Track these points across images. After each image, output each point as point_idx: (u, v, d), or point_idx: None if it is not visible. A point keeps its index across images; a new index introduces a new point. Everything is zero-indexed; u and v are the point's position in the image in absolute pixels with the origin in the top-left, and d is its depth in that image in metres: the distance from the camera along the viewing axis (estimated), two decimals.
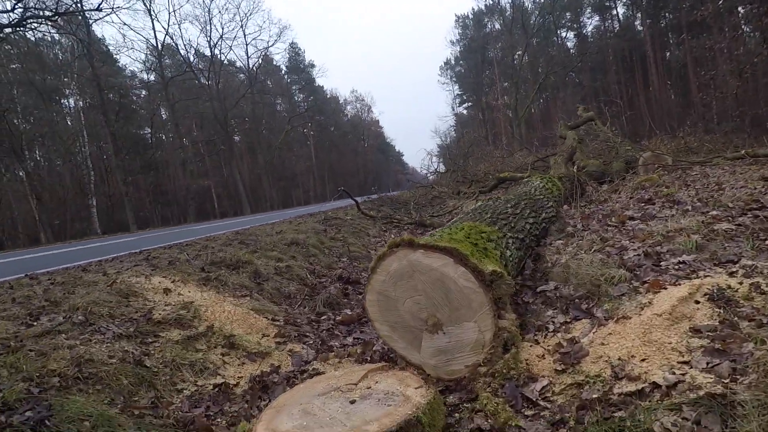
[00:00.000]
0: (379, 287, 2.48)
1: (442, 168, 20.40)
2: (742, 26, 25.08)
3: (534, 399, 1.96)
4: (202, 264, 4.11)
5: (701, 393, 1.47)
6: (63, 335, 2.30)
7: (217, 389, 2.33)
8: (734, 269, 2.29)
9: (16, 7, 16.62)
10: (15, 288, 3.81)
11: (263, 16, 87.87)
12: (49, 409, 1.72)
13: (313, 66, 56.64)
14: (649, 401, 1.57)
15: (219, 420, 2.11)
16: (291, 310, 3.74)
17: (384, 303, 2.49)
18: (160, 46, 34.03)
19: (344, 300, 4.18)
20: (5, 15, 16.86)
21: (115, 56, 36.53)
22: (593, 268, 2.74)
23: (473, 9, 49.52)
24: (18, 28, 17.70)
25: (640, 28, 37.34)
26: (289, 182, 52.59)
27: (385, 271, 2.45)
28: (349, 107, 72.26)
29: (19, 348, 2.15)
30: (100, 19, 28.46)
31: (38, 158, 33.65)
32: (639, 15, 36.93)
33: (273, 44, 64.62)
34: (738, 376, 1.53)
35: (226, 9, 69.48)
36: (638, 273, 2.53)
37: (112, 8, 21.17)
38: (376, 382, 2.12)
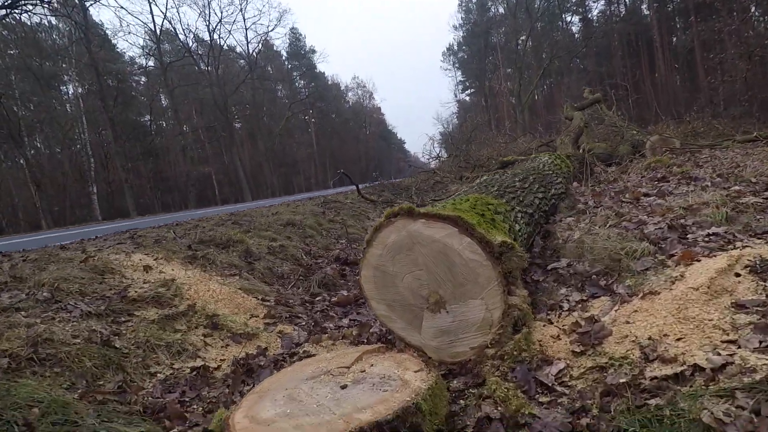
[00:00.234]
0: (375, 262, 2.24)
1: (444, 153, 20.08)
2: (752, 8, 24.48)
3: (549, 384, 1.73)
4: (189, 242, 3.87)
5: (757, 377, 1.23)
6: (22, 312, 2.07)
7: (195, 373, 2.10)
8: None
9: None
10: None
11: (263, 0, 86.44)
12: None
13: (314, 52, 55.83)
14: (690, 386, 1.33)
15: (195, 406, 1.89)
16: (283, 290, 3.51)
17: (381, 279, 2.25)
18: (158, 31, 33.54)
19: (341, 281, 3.95)
20: None
21: (113, 41, 36.01)
22: (611, 243, 2.50)
23: None
24: (11, 10, 17.28)
25: (646, 12, 36.60)
26: (291, 169, 52.22)
27: (382, 244, 2.21)
28: (350, 94, 71.43)
29: None
30: (97, 1, 27.87)
31: (38, 145, 33.40)
32: None
33: (273, 29, 63.53)
34: None
35: None
36: (663, 246, 2.28)
37: None
38: (371, 365, 1.89)
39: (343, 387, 1.70)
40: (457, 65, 54.90)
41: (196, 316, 2.50)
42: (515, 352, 1.92)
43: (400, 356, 1.97)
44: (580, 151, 7.88)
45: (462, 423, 1.61)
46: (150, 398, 1.84)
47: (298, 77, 56.87)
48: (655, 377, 1.43)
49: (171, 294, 2.59)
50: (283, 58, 55.08)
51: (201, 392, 1.99)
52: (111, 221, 21.12)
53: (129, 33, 56.52)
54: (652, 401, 1.34)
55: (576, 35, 41.79)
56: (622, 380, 1.50)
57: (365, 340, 2.55)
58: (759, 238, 2.11)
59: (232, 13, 71.99)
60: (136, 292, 2.52)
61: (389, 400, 1.53)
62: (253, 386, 1.97)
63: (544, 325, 2.09)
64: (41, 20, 26.23)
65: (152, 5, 37.74)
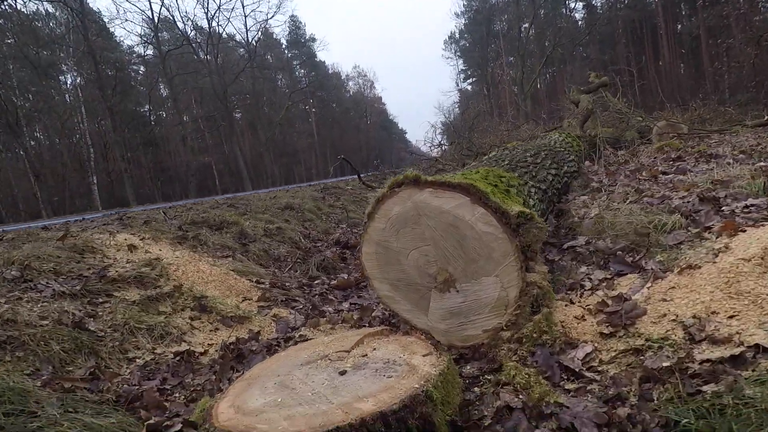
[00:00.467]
0: (377, 237, 2.03)
1: (446, 142, 19.80)
2: None
3: (576, 369, 1.52)
4: (180, 223, 3.66)
5: None
6: None
7: (179, 358, 1.90)
8: None
9: None
10: None
11: None
12: None
13: (314, 40, 55.12)
14: (753, 370, 1.12)
15: (177, 395, 1.69)
16: (280, 273, 3.30)
17: (384, 256, 2.04)
18: (156, 19, 33.09)
19: (341, 264, 3.74)
20: None
21: (110, 29, 35.58)
22: (636, 217, 2.28)
23: None
24: None
25: None
26: (291, 159, 51.84)
27: (385, 217, 1.99)
28: (351, 83, 70.73)
29: None
30: None
31: (37, 135, 33.15)
32: None
33: (272, 16, 62.87)
34: None
35: None
36: (697, 218, 2.06)
37: None
38: (374, 349, 1.69)
39: (342, 373, 1.49)
40: (458, 54, 54.29)
41: (182, 297, 2.30)
42: (535, 335, 1.71)
43: (406, 339, 1.76)
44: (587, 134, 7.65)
45: (479, 413, 1.40)
46: (125, 386, 1.64)
47: (298, 66, 56.29)
48: (708, 360, 1.22)
49: (156, 274, 2.38)
50: (283, 46, 54.48)
51: (184, 379, 1.79)
52: (111, 210, 20.94)
53: (126, 21, 55.81)
54: (707, 388, 1.13)
55: (579, 22, 41.21)
56: (665, 364, 1.29)
57: (367, 324, 2.35)
58: None
59: (231, 0, 71.11)
60: (117, 271, 2.31)
61: (394, 388, 1.33)
62: (243, 373, 1.78)
63: (565, 305, 1.88)
64: (37, 7, 25.84)
65: None
